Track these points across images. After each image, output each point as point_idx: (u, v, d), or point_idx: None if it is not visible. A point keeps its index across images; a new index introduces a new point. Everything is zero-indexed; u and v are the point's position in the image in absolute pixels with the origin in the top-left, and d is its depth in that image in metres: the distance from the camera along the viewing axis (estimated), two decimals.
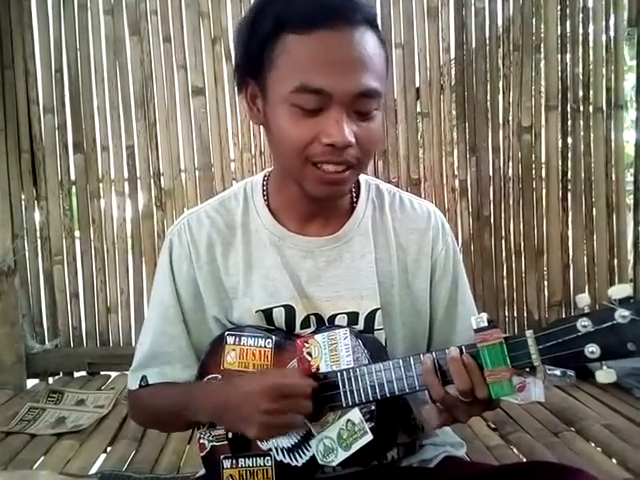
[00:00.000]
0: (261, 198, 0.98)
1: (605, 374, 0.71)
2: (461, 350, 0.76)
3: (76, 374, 2.68)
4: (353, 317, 0.93)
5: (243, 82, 0.89)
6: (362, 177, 1.02)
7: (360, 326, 0.93)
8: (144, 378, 0.97)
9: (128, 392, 1.03)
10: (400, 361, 0.80)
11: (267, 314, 0.93)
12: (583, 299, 0.72)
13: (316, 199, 0.89)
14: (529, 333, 0.73)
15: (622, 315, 0.68)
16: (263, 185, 0.99)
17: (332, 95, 0.78)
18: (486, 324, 0.75)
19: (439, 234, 0.99)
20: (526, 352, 0.73)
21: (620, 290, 0.69)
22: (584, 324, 0.70)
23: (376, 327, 0.93)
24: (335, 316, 0.93)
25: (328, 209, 0.96)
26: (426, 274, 0.98)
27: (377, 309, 0.93)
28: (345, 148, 0.81)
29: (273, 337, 0.89)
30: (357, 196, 0.99)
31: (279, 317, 0.93)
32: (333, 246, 0.95)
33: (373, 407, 0.82)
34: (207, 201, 1.02)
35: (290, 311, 0.93)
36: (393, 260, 0.96)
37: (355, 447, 0.80)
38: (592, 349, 0.69)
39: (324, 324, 0.93)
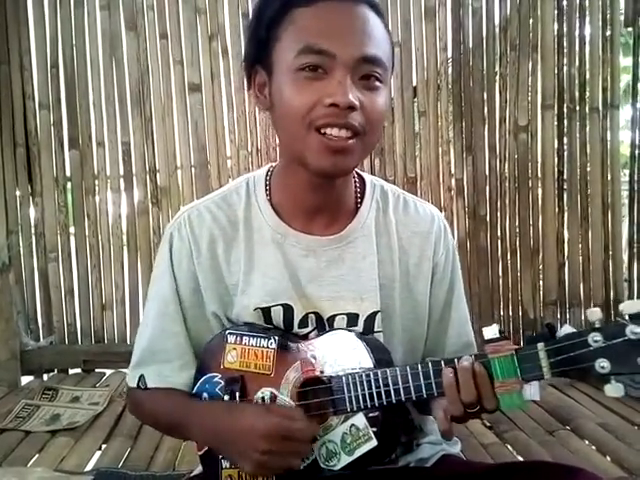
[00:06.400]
0: (263, 194, 0.96)
1: (614, 388, 0.72)
2: (473, 360, 0.77)
3: (71, 371, 2.67)
4: (353, 318, 0.92)
5: (252, 72, 0.90)
6: (367, 177, 1.01)
7: (359, 328, 0.92)
8: (142, 378, 0.95)
9: (127, 388, 1.02)
10: (407, 368, 0.80)
11: (265, 312, 0.92)
12: (595, 314, 0.72)
13: (320, 173, 0.85)
14: (540, 346, 0.74)
15: (633, 331, 0.68)
16: (266, 180, 0.97)
17: (335, 56, 0.79)
18: (497, 335, 0.76)
19: (441, 238, 0.99)
20: (537, 364, 0.74)
21: (632, 306, 0.70)
22: (596, 339, 0.70)
23: (375, 329, 0.92)
24: (335, 316, 0.92)
25: (332, 206, 0.94)
26: (427, 278, 0.98)
27: (377, 312, 0.92)
28: (348, 110, 0.80)
29: (276, 337, 0.88)
30: (362, 196, 0.98)
31: (277, 316, 0.92)
32: (335, 246, 0.94)
33: (377, 412, 0.82)
34: (208, 195, 1.00)
35: (288, 310, 0.92)
36: (395, 263, 0.96)
37: (359, 452, 0.80)
38: (603, 364, 0.70)
39: (323, 323, 0.92)
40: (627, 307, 0.70)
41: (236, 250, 0.94)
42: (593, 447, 1.77)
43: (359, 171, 1.01)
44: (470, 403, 0.75)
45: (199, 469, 0.97)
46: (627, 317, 0.70)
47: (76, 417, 2.07)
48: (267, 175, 0.98)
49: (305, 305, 0.92)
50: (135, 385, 0.97)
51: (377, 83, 0.83)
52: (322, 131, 0.81)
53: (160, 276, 0.96)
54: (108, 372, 2.61)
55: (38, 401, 2.23)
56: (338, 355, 0.84)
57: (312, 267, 0.93)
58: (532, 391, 2.16)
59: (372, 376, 0.81)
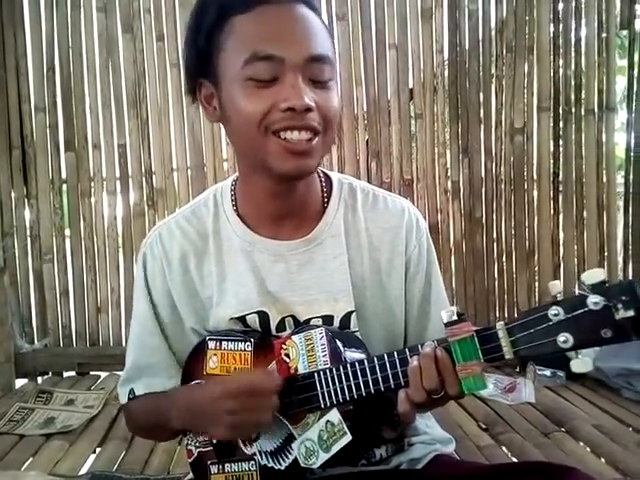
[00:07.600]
0: (230, 204, 0.96)
1: (581, 363, 0.68)
2: (435, 345, 0.74)
3: (65, 374, 2.66)
4: (328, 320, 0.92)
5: (195, 85, 0.89)
6: (335, 176, 1.00)
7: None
8: (132, 391, 0.97)
9: (121, 406, 1.03)
10: (375, 359, 0.79)
11: (241, 321, 0.93)
12: (555, 286, 0.68)
13: (284, 177, 0.85)
14: (500, 325, 0.71)
15: (594, 302, 0.64)
16: (232, 190, 0.97)
17: (284, 60, 0.79)
18: (455, 317, 0.73)
19: (412, 232, 0.97)
20: (498, 344, 0.71)
21: (593, 275, 0.65)
22: (555, 312, 0.66)
23: (352, 329, 0.92)
24: (310, 320, 0.92)
25: (298, 209, 0.93)
26: (400, 274, 0.96)
27: (352, 312, 0.92)
28: (305, 112, 0.79)
29: (252, 340, 0.89)
30: (329, 196, 0.97)
31: (254, 323, 0.92)
32: (305, 249, 0.93)
33: (351, 406, 0.81)
34: (179, 209, 1.01)
35: (264, 316, 0.92)
36: (365, 261, 0.95)
37: (335, 448, 0.80)
38: (563, 338, 0.66)
39: (300, 325, 0.92)
40: (588, 277, 0.65)
41: (208, 263, 0.95)
42: (588, 449, 1.76)
43: (326, 170, 1.00)
44: (433, 389, 0.73)
45: (191, 475, 0.97)
46: (589, 287, 0.65)
47: (71, 420, 2.06)
48: (232, 185, 0.98)
49: (280, 310, 0.92)
50: (126, 400, 0.98)
51: (328, 81, 0.83)
52: (281, 135, 0.81)
53: (138, 295, 0.98)
54: (103, 375, 2.60)
55: (32, 404, 2.22)
56: (310, 352, 0.83)
57: (282, 272, 0.93)
58: (527, 393, 2.16)
59: (342, 370, 0.80)
